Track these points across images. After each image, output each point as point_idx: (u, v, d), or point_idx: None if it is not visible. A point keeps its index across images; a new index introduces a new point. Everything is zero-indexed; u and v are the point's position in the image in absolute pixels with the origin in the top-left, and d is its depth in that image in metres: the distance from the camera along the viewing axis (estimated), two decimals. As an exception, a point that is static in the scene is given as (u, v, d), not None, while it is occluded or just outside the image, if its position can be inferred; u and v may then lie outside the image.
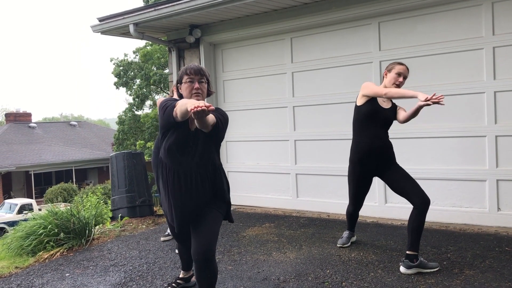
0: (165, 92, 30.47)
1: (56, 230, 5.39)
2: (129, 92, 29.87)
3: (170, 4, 6.03)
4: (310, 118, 6.18)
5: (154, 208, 7.15)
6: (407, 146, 5.46)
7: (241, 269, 4.15)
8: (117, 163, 6.83)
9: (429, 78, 5.24)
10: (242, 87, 6.82)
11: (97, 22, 6.97)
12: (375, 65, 5.60)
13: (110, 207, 6.94)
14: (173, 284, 3.75)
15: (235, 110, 6.88)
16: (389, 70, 4.06)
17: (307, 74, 6.17)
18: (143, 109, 30.65)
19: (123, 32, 7.02)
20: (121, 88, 29.98)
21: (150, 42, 26.25)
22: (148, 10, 6.27)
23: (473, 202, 5.09)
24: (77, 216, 5.57)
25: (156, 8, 6.18)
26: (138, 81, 28.85)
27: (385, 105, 4.04)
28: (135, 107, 29.38)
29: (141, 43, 28.69)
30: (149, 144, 21.67)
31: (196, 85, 2.99)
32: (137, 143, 22.16)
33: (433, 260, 4.01)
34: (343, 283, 3.65)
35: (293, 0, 5.69)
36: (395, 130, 5.55)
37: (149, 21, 6.44)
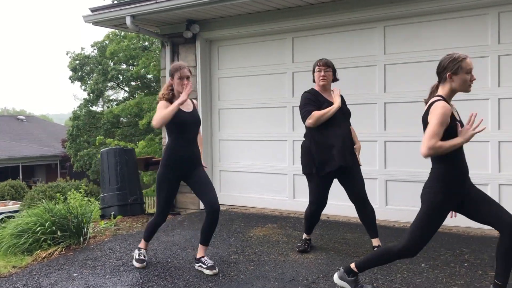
0: (123, 89, 29.87)
1: (53, 228, 5.16)
2: (83, 87, 29.04)
3: (173, -2, 5.90)
4: (310, 119, 6.20)
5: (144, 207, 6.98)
6: (410, 150, 5.57)
7: (263, 270, 4.11)
8: (108, 159, 6.62)
9: (433, 83, 5.36)
10: (239, 85, 6.76)
11: (89, 12, 6.73)
12: (379, 68, 5.69)
13: (98, 205, 6.71)
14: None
15: (230, 108, 6.82)
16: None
17: (308, 74, 6.14)
18: (98, 105, 29.95)
19: (117, 24, 6.83)
20: (75, 82, 29.09)
21: (110, 36, 25.67)
22: (148, 3, 6.10)
23: (475, 205, 5.25)
24: (75, 213, 5.35)
25: (157, 1, 6.03)
26: (94, 75, 28.05)
27: None
28: (90, 103, 28.57)
29: (100, 37, 28.15)
30: (108, 140, 21.05)
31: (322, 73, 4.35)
32: (97, 138, 21.44)
33: (453, 262, 4.13)
34: (374, 284, 3.69)
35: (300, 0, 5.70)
36: (398, 134, 5.70)
37: (148, 14, 6.28)
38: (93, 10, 6.80)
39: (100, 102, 29.94)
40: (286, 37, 6.31)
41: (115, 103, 30.44)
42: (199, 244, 4.27)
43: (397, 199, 5.71)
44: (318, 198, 4.41)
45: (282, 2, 5.77)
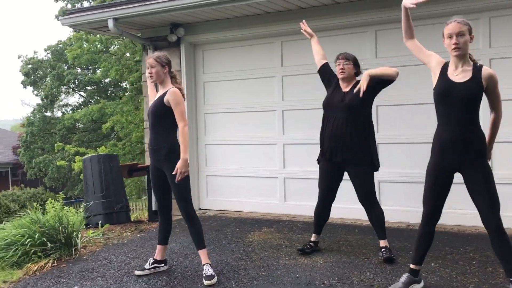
0: (78, 93, 29.12)
1: (44, 239, 4.93)
2: (35, 92, 28.09)
3: (161, 0, 5.76)
4: (301, 122, 6.20)
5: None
6: (402, 152, 5.67)
7: (275, 275, 4.05)
8: (92, 166, 6.38)
9: (425, 86, 5.45)
10: (225, 89, 6.69)
11: (68, 15, 6.50)
12: (371, 72, 5.75)
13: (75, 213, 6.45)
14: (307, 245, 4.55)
15: (217, 112, 6.74)
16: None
17: (297, 78, 6.19)
18: (52, 110, 29.06)
19: (97, 27, 6.62)
20: (27, 87, 28.11)
21: (63, 40, 24.95)
22: (134, 5, 5.94)
23: (467, 205, 5.33)
24: (65, 224, 5.13)
25: (143, 3, 5.87)
26: (48, 80, 27.19)
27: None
28: (44, 108, 27.67)
29: (53, 41, 27.33)
30: (67, 147, 20.36)
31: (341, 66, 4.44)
32: (56, 145, 20.68)
33: (461, 260, 4.21)
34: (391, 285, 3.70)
35: (291, 3, 5.69)
36: (390, 136, 5.78)
37: (133, 17, 6.12)
38: (71, 12, 6.60)
39: (54, 108, 29.11)
40: (274, 41, 6.29)
41: (69, 108, 29.74)
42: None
43: (390, 199, 5.78)
44: (322, 189, 4.50)
45: (273, 6, 5.75)
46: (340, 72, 4.38)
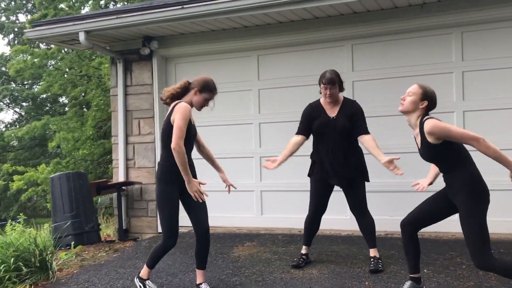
0: (12, 109, 27.90)
1: (20, 264, 4.64)
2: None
3: (138, 13, 5.64)
4: (277, 135, 6.20)
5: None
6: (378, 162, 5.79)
7: (275, 289, 4.02)
8: (60, 185, 6.09)
9: (398, 99, 5.63)
10: (199, 103, 6.60)
11: (34, 28, 6.23)
12: (347, 85, 5.82)
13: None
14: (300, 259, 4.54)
15: (189, 126, 6.63)
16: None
17: (274, 91, 6.22)
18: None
19: (65, 40, 6.38)
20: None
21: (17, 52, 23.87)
22: (108, 18, 5.79)
23: (443, 212, 5.56)
24: (42, 246, 4.86)
25: (118, 16, 5.72)
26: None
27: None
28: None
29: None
30: (5, 166, 19.30)
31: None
32: (3, 166, 19.61)
33: (451, 265, 4.34)
34: (393, 293, 3.76)
35: (271, 18, 5.72)
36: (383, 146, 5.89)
37: (105, 30, 5.94)
38: (37, 24, 6.32)
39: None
40: (251, 54, 6.30)
41: (2, 125, 28.55)
42: (196, 269, 4.10)
43: (374, 209, 5.86)
44: (314, 201, 4.53)
45: (253, 20, 5.76)
46: (328, 97, 4.41)
